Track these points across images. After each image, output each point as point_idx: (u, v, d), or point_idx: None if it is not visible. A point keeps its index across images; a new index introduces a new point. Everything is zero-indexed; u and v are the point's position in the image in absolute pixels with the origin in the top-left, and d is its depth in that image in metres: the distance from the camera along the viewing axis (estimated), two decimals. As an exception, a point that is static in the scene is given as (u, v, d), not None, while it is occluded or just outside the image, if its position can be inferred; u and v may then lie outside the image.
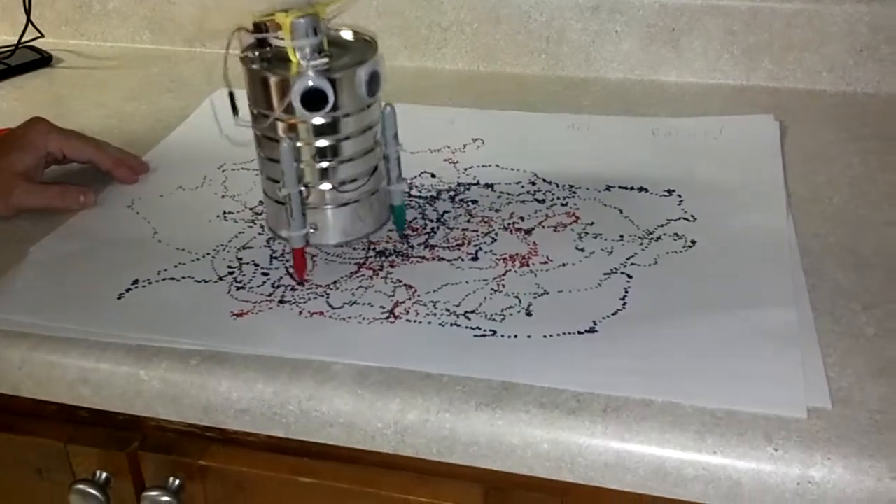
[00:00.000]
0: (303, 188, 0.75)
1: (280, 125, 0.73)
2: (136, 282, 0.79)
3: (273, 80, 0.72)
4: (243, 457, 0.73)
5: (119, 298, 0.77)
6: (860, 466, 0.58)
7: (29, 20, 1.30)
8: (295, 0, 0.74)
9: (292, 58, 0.72)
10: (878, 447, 0.59)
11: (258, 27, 0.73)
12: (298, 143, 0.74)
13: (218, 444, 0.73)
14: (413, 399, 0.65)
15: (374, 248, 0.83)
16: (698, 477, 0.60)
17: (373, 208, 0.79)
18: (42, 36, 1.32)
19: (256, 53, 0.74)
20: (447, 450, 0.65)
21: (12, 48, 1.28)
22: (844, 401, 0.63)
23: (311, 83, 0.71)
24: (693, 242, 0.82)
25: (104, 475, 0.76)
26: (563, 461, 0.63)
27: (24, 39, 1.30)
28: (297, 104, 0.71)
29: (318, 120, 0.73)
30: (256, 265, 0.81)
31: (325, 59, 0.73)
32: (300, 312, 0.75)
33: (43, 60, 1.28)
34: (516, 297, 0.75)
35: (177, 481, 0.75)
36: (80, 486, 0.75)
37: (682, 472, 0.61)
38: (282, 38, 0.72)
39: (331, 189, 0.76)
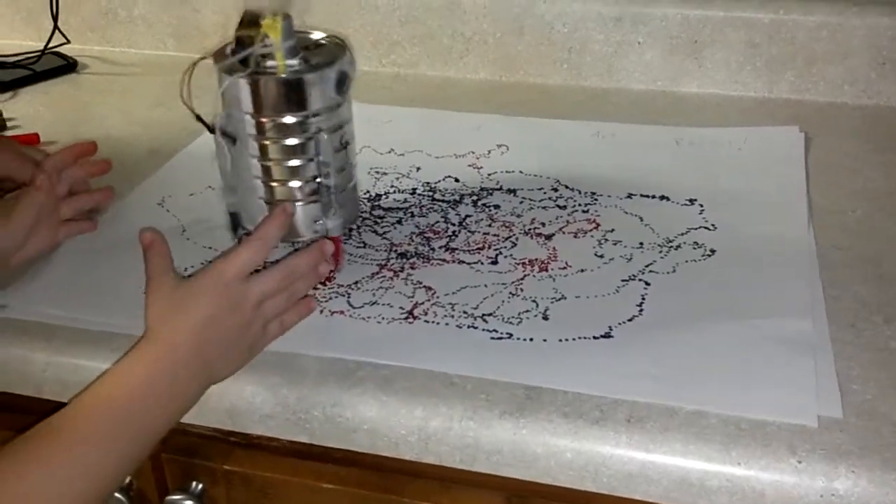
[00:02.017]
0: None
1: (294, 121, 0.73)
2: None
3: (310, 77, 0.72)
4: (266, 462, 0.73)
5: (145, 293, 0.78)
6: (884, 479, 0.58)
7: (56, 26, 1.31)
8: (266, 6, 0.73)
9: (279, 60, 0.72)
10: (903, 460, 0.59)
11: (242, 41, 0.72)
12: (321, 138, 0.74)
13: (241, 449, 0.74)
14: (437, 407, 0.65)
15: (396, 250, 0.83)
16: (722, 488, 0.60)
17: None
18: (68, 42, 1.33)
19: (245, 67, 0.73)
20: (470, 457, 0.65)
21: (39, 54, 1.29)
22: (868, 413, 0.63)
23: (343, 69, 0.72)
24: (712, 251, 0.82)
25: (128, 479, 0.76)
26: (587, 471, 0.63)
27: (50, 45, 1.31)
28: (322, 96, 0.72)
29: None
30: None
31: (298, 60, 0.73)
32: (321, 311, 0.76)
33: (68, 66, 1.29)
34: (534, 301, 0.76)
35: (200, 486, 0.75)
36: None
37: (706, 483, 0.61)
38: (268, 45, 0.71)
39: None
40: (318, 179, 0.75)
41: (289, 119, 0.72)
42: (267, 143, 0.73)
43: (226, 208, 0.78)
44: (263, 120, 0.73)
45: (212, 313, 0.66)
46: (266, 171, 0.75)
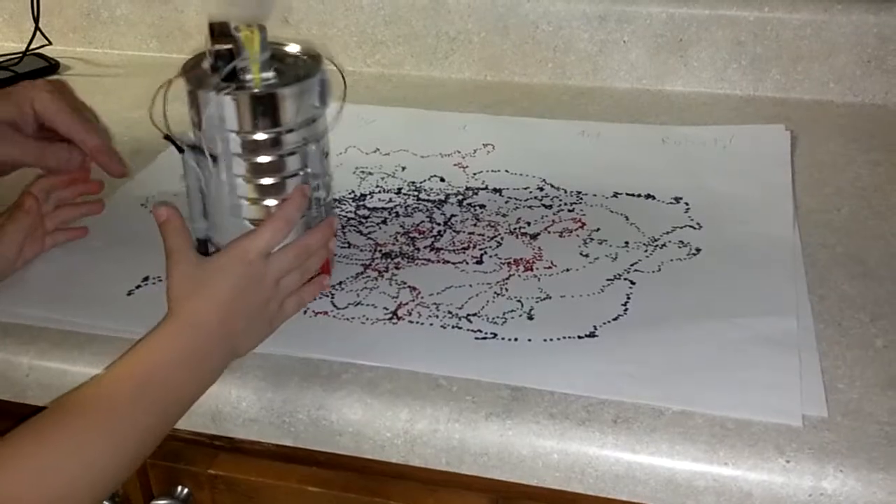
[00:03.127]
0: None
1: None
2: (146, 279, 0.80)
3: (294, 89, 0.70)
4: (252, 466, 0.73)
5: (129, 295, 0.78)
6: (872, 478, 0.58)
7: (37, 27, 1.30)
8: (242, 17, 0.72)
9: (255, 73, 0.70)
10: (890, 459, 0.59)
11: (220, 55, 0.70)
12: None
13: (226, 453, 0.73)
14: (422, 409, 0.65)
15: (381, 250, 0.83)
16: (709, 488, 0.60)
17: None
18: (50, 43, 1.32)
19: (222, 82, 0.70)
20: (456, 460, 0.65)
21: (20, 55, 1.28)
22: (855, 413, 0.63)
23: (325, 78, 0.71)
24: (698, 250, 0.82)
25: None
26: (573, 472, 0.62)
27: (31, 47, 1.30)
28: (303, 108, 0.71)
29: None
30: None
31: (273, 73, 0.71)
32: (305, 312, 0.75)
33: (50, 68, 1.28)
34: (519, 300, 0.76)
35: (185, 490, 0.74)
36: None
37: (693, 483, 0.60)
38: (245, 59, 0.69)
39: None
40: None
41: (276, 133, 0.71)
42: (255, 160, 0.71)
43: (193, 234, 0.74)
44: (251, 136, 0.70)
45: (235, 290, 0.67)
46: (255, 189, 0.72)
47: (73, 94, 0.87)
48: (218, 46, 0.70)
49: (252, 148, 0.71)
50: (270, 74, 0.70)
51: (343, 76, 0.75)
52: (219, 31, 0.70)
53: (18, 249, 0.80)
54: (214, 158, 0.71)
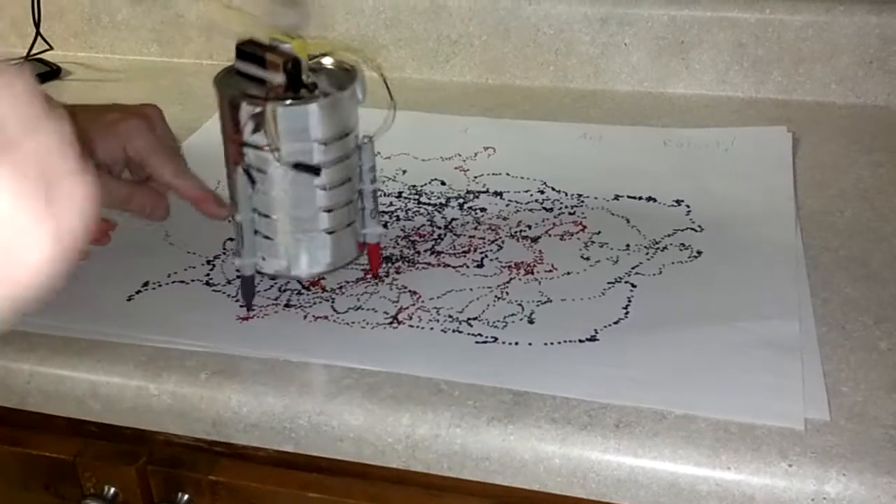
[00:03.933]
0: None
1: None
2: (146, 284, 0.80)
3: (354, 91, 0.71)
4: (252, 472, 0.72)
5: (129, 300, 0.78)
6: (875, 482, 0.58)
7: (38, 33, 1.30)
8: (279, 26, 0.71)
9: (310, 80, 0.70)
10: (894, 463, 0.59)
11: (285, 67, 0.68)
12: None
13: (227, 459, 0.73)
14: (424, 414, 0.65)
15: (381, 254, 0.82)
16: (712, 493, 0.60)
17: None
18: (51, 48, 1.32)
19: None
20: (458, 465, 0.64)
21: (21, 61, 1.28)
22: (859, 416, 0.62)
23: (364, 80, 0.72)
24: (699, 253, 0.81)
25: (113, 490, 0.75)
26: (576, 477, 0.62)
27: (33, 52, 1.30)
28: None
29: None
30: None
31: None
32: (305, 317, 0.75)
33: (52, 73, 1.28)
34: (519, 304, 0.75)
35: (185, 496, 0.74)
36: (89, 502, 0.75)
37: (696, 487, 0.60)
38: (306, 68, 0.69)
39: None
40: (361, 188, 0.74)
41: (346, 137, 0.71)
42: (335, 167, 0.71)
43: (244, 271, 0.73)
44: (331, 144, 0.70)
45: None
46: (331, 197, 0.72)
47: (165, 126, 0.83)
48: (272, 57, 0.68)
49: (329, 155, 0.70)
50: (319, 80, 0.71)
51: (385, 81, 0.74)
52: (251, 47, 0.69)
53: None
54: (317, 171, 0.70)
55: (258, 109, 0.68)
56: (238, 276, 0.76)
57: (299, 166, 0.70)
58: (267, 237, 0.73)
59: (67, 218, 0.39)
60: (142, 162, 0.79)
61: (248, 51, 0.70)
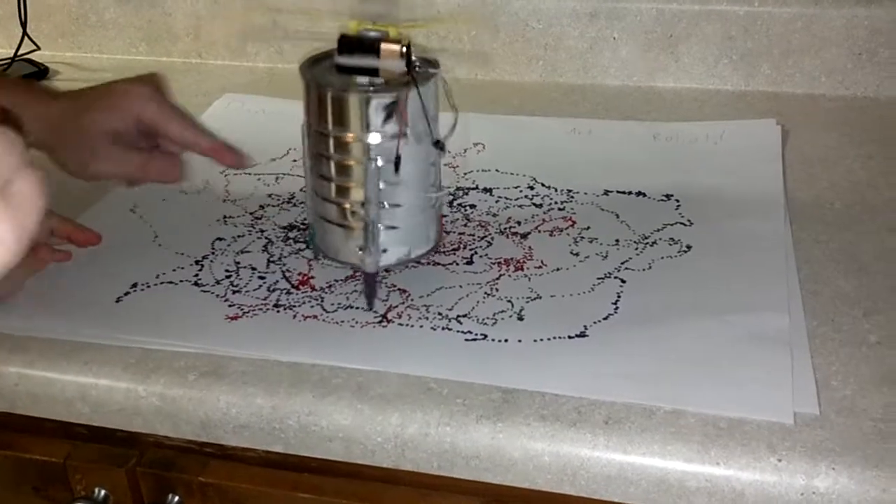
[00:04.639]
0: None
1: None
2: (134, 285, 0.79)
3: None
4: (242, 473, 0.72)
5: (117, 301, 0.77)
6: (865, 476, 0.58)
7: (25, 33, 1.29)
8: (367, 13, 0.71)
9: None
10: (883, 456, 0.59)
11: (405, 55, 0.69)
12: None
13: (217, 460, 0.73)
14: (413, 413, 0.64)
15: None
16: (701, 488, 0.60)
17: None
18: (38, 48, 1.32)
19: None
20: (448, 463, 0.64)
21: (8, 61, 1.28)
22: (848, 409, 0.62)
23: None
24: (688, 247, 0.81)
25: (103, 492, 0.75)
26: (565, 474, 0.62)
27: (20, 52, 1.29)
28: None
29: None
30: (254, 269, 0.81)
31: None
32: (294, 316, 0.75)
33: (40, 73, 1.28)
34: (509, 301, 0.75)
35: (176, 498, 0.74)
36: (79, 504, 0.75)
37: (685, 483, 0.60)
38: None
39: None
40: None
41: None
42: (439, 144, 0.73)
43: (369, 269, 0.73)
44: (436, 120, 0.72)
45: None
46: (435, 174, 0.75)
47: (170, 92, 0.84)
48: (386, 46, 0.68)
49: (437, 132, 0.72)
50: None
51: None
52: (355, 41, 0.69)
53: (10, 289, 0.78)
54: (442, 146, 0.72)
55: (391, 98, 0.69)
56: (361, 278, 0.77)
57: (438, 144, 0.72)
58: (391, 227, 0.73)
59: (23, 215, 0.40)
60: (156, 125, 0.80)
61: (355, 44, 0.69)
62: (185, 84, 1.24)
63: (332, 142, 0.71)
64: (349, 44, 0.69)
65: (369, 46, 0.68)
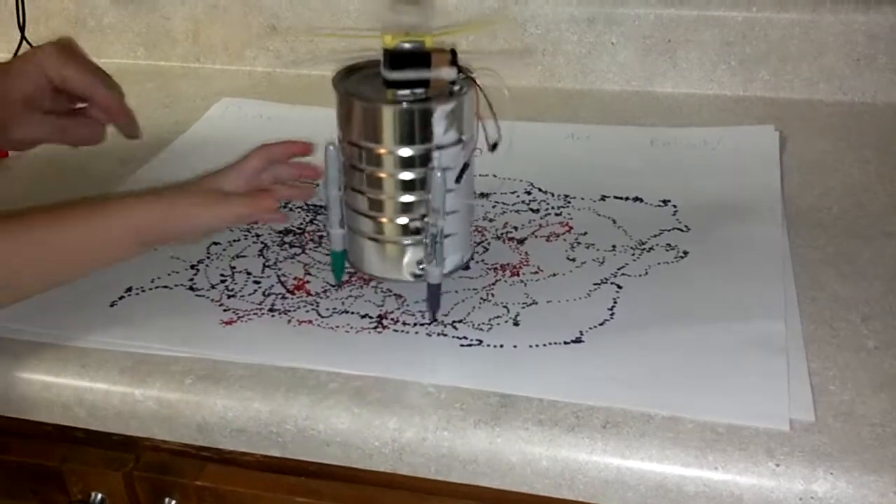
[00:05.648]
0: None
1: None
2: (129, 289, 0.79)
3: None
4: (239, 477, 0.72)
5: (111, 306, 0.77)
6: (863, 480, 0.58)
7: (23, 37, 1.29)
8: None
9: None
10: (881, 461, 0.58)
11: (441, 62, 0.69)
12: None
13: (214, 465, 0.73)
14: (411, 417, 0.64)
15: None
16: (699, 493, 0.60)
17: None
18: (36, 53, 1.32)
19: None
20: (445, 468, 0.64)
21: (6, 65, 1.28)
22: (846, 414, 0.62)
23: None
24: (685, 253, 0.81)
25: (100, 496, 0.75)
26: (563, 478, 0.62)
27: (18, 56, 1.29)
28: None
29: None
30: (249, 274, 0.81)
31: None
32: (289, 321, 0.74)
33: (37, 77, 1.27)
34: (505, 306, 0.75)
35: (172, 502, 0.74)
36: (76, 508, 0.74)
37: (684, 488, 0.60)
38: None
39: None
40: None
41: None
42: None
43: (432, 279, 0.72)
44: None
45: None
46: (471, 184, 0.75)
47: (80, 49, 0.84)
48: (437, 55, 0.68)
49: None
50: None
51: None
52: (409, 53, 0.68)
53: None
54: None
55: (451, 107, 0.69)
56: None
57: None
58: (447, 235, 0.72)
59: None
60: (62, 79, 0.80)
61: (407, 57, 0.68)
62: (183, 88, 1.24)
63: (392, 159, 0.70)
64: (399, 58, 0.68)
65: (421, 58, 0.68)
